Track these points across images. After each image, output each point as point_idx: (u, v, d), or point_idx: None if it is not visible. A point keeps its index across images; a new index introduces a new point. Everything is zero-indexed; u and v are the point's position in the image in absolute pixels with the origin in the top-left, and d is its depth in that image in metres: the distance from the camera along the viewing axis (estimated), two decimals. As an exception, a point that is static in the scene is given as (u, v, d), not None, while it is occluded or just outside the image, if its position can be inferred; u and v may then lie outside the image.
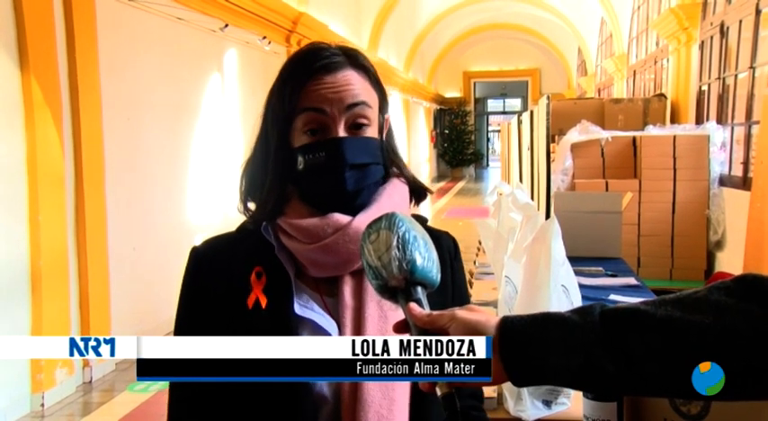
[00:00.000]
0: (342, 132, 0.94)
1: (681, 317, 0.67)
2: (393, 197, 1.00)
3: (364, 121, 0.96)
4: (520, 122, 6.88)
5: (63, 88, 4.05)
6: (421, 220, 1.05)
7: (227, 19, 6.15)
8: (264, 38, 7.04)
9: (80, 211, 4.20)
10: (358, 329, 0.93)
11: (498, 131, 19.96)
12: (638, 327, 0.68)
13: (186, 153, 5.74)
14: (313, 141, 0.94)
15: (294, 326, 0.92)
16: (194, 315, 0.97)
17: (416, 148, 18.73)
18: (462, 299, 1.08)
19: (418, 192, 1.06)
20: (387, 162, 1.01)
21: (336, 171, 0.93)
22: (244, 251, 0.97)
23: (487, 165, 25.82)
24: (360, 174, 0.95)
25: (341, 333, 0.93)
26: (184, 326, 0.99)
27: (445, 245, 1.06)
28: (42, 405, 3.81)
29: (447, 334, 0.73)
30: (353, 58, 0.98)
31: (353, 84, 0.95)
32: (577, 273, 1.86)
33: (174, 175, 5.55)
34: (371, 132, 0.97)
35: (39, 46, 3.80)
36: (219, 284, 0.95)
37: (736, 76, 5.82)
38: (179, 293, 1.00)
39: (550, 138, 4.04)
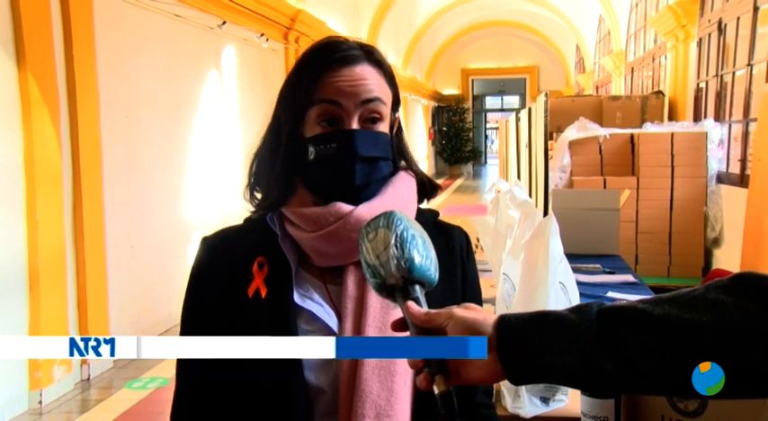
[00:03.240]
0: (355, 125, 0.95)
1: (678, 316, 0.67)
2: (400, 189, 1.00)
3: (377, 116, 0.97)
4: (518, 120, 6.90)
5: (60, 85, 4.04)
6: (432, 214, 1.06)
7: (224, 16, 6.14)
8: (262, 35, 7.04)
9: (78, 209, 4.20)
10: (359, 319, 0.93)
11: (496, 129, 19.96)
12: (635, 326, 0.68)
13: (184, 150, 5.74)
14: (325, 132, 0.95)
15: (292, 315, 0.92)
16: (200, 303, 0.98)
17: (414, 146, 18.72)
18: (474, 295, 1.07)
19: (427, 189, 1.06)
20: (395, 159, 1.02)
21: (347, 163, 0.94)
22: (248, 241, 0.99)
23: (485, 162, 25.82)
24: (369, 167, 0.96)
25: (341, 322, 0.94)
26: (191, 313, 1.00)
27: (457, 240, 1.07)
28: (40, 402, 3.81)
29: (445, 332, 0.73)
30: (370, 54, 0.99)
31: (369, 79, 0.96)
32: (575, 271, 1.86)
33: (173, 173, 5.55)
34: (383, 128, 0.98)
35: (36, 43, 3.80)
36: (224, 274, 0.97)
37: (733, 73, 5.82)
38: (187, 282, 1.01)
39: (548, 136, 4.06)
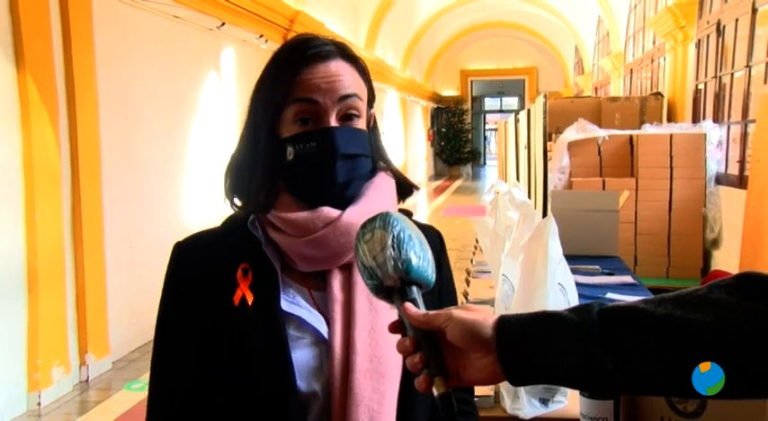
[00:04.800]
0: (333, 123, 0.93)
1: (681, 316, 0.66)
2: (381, 190, 0.99)
3: (355, 113, 0.95)
4: (517, 121, 6.91)
5: (59, 86, 4.04)
6: (406, 214, 1.05)
7: (224, 17, 6.14)
8: (261, 36, 7.04)
9: (77, 210, 4.19)
10: (347, 323, 0.93)
11: (495, 130, 19.97)
12: (637, 326, 0.68)
13: (183, 151, 5.74)
14: (304, 131, 0.93)
15: (280, 322, 0.91)
16: (180, 311, 0.95)
17: (414, 147, 18.72)
18: (449, 295, 1.07)
19: (404, 188, 1.05)
20: (374, 155, 1.01)
21: (327, 161, 0.92)
22: (229, 247, 0.96)
23: (484, 163, 25.85)
24: (350, 164, 0.94)
25: (330, 327, 0.93)
26: (169, 322, 0.97)
27: (431, 240, 1.06)
28: (39, 404, 3.80)
29: (444, 333, 0.73)
30: (343, 49, 0.97)
31: (345, 75, 0.95)
32: (574, 272, 1.86)
33: (172, 173, 5.55)
34: (361, 124, 0.97)
35: (35, 44, 3.80)
36: (204, 280, 0.94)
37: (732, 74, 5.83)
38: (162, 289, 0.98)
39: (547, 137, 4.05)
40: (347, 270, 0.96)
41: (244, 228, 0.97)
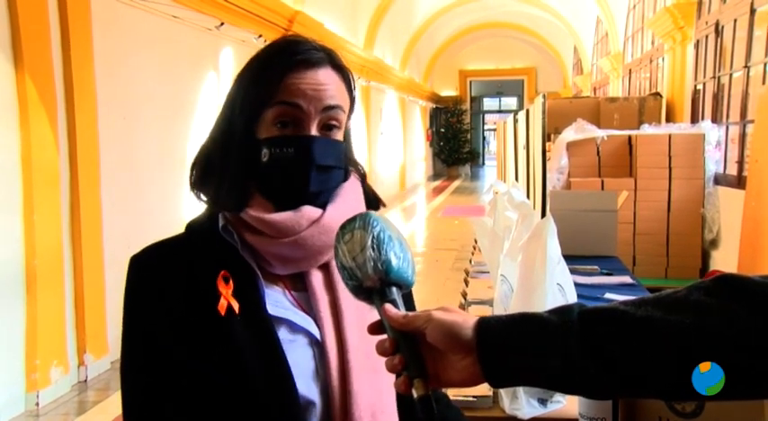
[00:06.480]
0: (314, 131, 0.92)
1: (661, 317, 0.67)
2: (356, 192, 0.99)
3: (336, 124, 0.94)
4: (516, 121, 6.90)
5: (58, 87, 4.04)
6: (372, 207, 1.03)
7: (223, 17, 6.14)
8: (260, 36, 7.04)
9: (75, 210, 4.19)
10: (337, 321, 0.92)
11: (494, 130, 19.99)
12: (617, 327, 0.68)
13: (182, 151, 5.73)
14: (283, 134, 0.92)
15: (271, 327, 0.89)
16: (151, 330, 0.89)
17: (412, 147, 18.73)
18: (409, 298, 1.04)
19: (372, 202, 1.04)
20: (347, 167, 1.00)
21: (303, 169, 0.91)
22: (203, 255, 0.92)
23: (483, 163, 25.86)
24: (323, 176, 0.93)
25: (320, 327, 0.92)
26: (139, 344, 0.90)
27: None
28: (37, 404, 3.80)
29: (423, 335, 0.72)
30: (333, 57, 0.96)
31: (332, 84, 0.93)
32: (573, 272, 1.87)
33: (170, 174, 5.54)
34: (339, 136, 0.96)
35: (33, 44, 3.79)
36: (176, 294, 0.89)
37: (730, 75, 5.84)
38: (125, 309, 0.91)
39: (546, 137, 4.05)
40: (325, 269, 0.95)
41: (213, 232, 0.93)
